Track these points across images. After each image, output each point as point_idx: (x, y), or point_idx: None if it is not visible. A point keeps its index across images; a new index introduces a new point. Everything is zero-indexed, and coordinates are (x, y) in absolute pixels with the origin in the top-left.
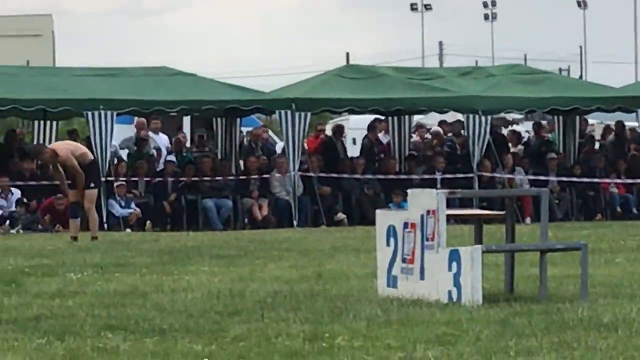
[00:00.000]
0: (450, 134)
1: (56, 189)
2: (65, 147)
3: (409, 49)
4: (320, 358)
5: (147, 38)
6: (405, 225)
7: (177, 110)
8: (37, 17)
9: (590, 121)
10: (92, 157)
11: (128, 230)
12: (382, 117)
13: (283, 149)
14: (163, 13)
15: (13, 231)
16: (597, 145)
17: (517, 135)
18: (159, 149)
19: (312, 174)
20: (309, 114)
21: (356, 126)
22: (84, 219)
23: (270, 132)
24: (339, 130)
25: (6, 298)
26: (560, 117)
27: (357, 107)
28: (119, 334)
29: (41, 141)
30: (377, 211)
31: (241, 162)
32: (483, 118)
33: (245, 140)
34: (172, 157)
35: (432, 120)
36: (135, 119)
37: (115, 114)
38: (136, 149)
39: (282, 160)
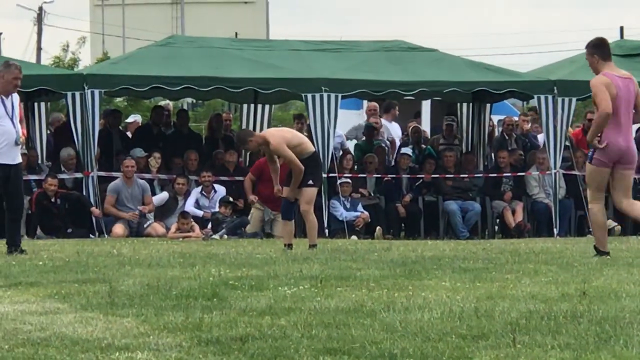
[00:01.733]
0: None
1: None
2: (280, 135)
3: None
4: None
5: (376, 5)
6: None
7: (415, 93)
8: None
9: None
10: (313, 149)
11: (354, 237)
12: None
13: (543, 143)
14: None
15: (216, 236)
16: None
17: None
18: (392, 140)
19: (577, 172)
20: (574, 100)
21: None
22: (300, 223)
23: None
24: None
25: (207, 315)
26: None
27: None
28: (341, 359)
29: (250, 128)
30: None
31: (492, 157)
32: None
33: (496, 130)
34: (407, 150)
35: None
36: (365, 103)
37: (340, 96)
38: (365, 139)
39: (542, 155)
